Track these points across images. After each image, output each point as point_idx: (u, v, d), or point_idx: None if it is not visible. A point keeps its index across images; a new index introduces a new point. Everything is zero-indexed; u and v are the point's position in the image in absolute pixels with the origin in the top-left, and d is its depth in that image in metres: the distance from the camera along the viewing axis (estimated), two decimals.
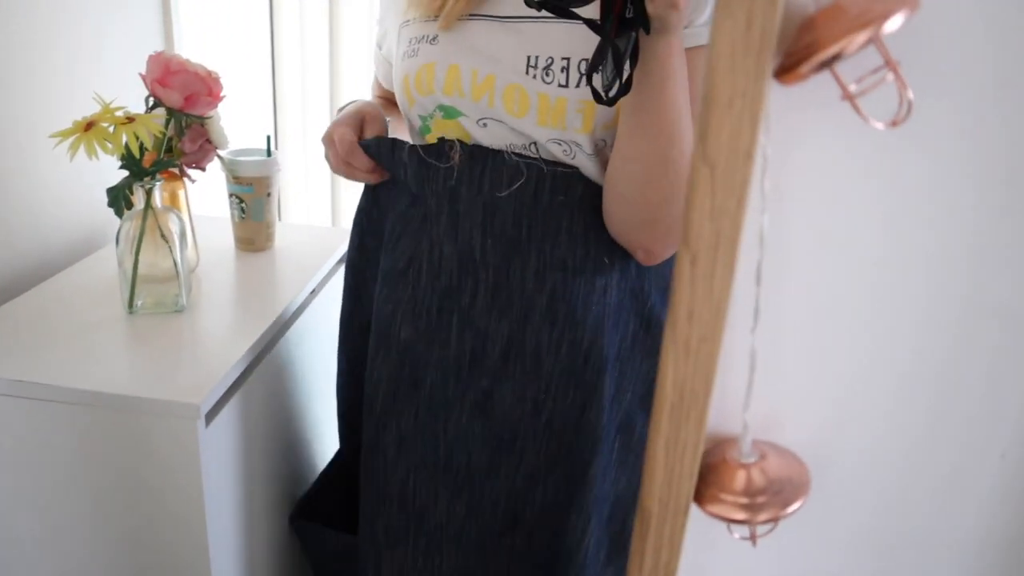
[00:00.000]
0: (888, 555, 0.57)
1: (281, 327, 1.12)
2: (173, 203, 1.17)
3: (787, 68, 0.41)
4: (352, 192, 2.21)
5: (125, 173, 0.99)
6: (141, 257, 1.02)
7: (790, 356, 0.52)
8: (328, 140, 0.98)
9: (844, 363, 0.52)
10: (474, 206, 0.90)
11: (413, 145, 0.94)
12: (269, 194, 1.25)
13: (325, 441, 1.35)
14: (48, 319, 1.03)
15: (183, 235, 1.04)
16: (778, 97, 0.45)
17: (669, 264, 0.93)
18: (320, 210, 2.19)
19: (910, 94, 0.43)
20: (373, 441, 1.00)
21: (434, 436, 0.95)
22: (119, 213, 1.00)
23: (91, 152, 0.94)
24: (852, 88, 0.43)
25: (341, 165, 0.97)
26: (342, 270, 1.39)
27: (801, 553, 0.57)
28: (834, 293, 0.51)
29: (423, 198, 0.94)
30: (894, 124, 0.43)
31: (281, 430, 1.17)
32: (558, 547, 0.96)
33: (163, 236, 1.02)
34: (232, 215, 1.27)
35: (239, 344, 0.99)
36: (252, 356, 1.01)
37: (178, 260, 1.04)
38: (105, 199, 0.99)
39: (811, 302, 0.51)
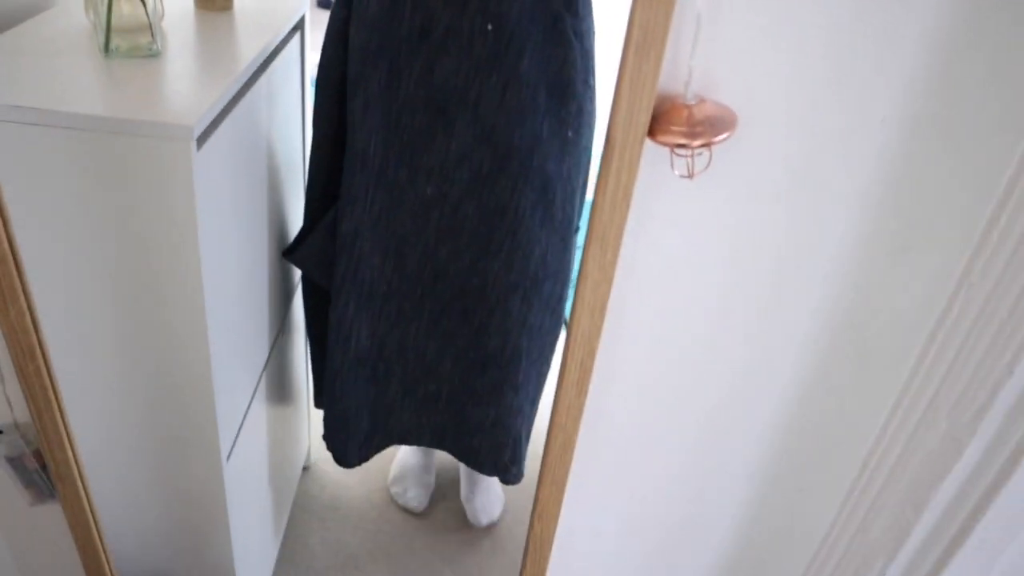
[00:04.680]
0: (803, 199, 0.73)
1: (262, 64, 1.20)
2: None
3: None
4: None
5: None
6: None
7: (728, 22, 0.65)
8: None
9: (768, 35, 0.65)
10: None
11: None
12: None
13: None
14: (24, 61, 1.05)
15: None
16: None
17: None
18: None
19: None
20: (350, 114, 1.19)
21: (387, 103, 1.16)
22: None
23: None
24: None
25: None
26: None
27: (729, 200, 0.73)
28: None
29: None
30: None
31: (269, 158, 1.26)
32: (489, 205, 1.20)
33: None
34: None
35: (223, 77, 1.05)
36: (238, 86, 1.07)
37: (148, 4, 1.08)
38: None
39: None
